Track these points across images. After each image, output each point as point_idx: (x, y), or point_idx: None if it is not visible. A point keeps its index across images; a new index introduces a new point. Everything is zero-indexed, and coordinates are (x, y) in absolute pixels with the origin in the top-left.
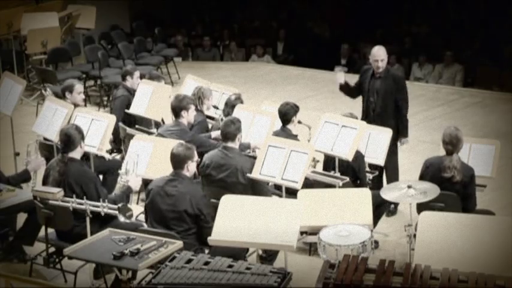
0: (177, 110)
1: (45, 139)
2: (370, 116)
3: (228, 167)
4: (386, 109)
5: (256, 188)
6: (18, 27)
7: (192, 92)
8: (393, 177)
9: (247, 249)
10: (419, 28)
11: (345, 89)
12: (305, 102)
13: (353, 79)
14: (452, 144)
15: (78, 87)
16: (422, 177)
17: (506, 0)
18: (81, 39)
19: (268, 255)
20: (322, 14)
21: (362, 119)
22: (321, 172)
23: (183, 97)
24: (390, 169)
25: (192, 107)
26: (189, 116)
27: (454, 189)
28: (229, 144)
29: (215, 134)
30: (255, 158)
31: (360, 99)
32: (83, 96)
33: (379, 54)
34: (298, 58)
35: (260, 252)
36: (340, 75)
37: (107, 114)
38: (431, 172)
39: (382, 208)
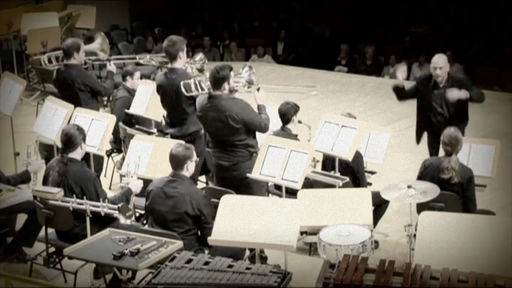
0: (174, 53)
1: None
2: (435, 127)
3: (218, 116)
4: (458, 116)
5: (251, 126)
6: (18, 27)
7: None
8: None
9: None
10: (419, 28)
11: (399, 90)
12: (305, 102)
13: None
14: (451, 145)
15: None
16: (420, 178)
17: (506, 0)
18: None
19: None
20: (322, 14)
21: (419, 131)
22: (321, 172)
23: (177, 40)
24: None
25: (185, 49)
26: (181, 60)
27: (452, 191)
28: (216, 92)
29: None
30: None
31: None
32: None
33: (436, 62)
34: (298, 58)
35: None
36: (402, 71)
37: (107, 114)
38: (429, 173)
39: (382, 208)
